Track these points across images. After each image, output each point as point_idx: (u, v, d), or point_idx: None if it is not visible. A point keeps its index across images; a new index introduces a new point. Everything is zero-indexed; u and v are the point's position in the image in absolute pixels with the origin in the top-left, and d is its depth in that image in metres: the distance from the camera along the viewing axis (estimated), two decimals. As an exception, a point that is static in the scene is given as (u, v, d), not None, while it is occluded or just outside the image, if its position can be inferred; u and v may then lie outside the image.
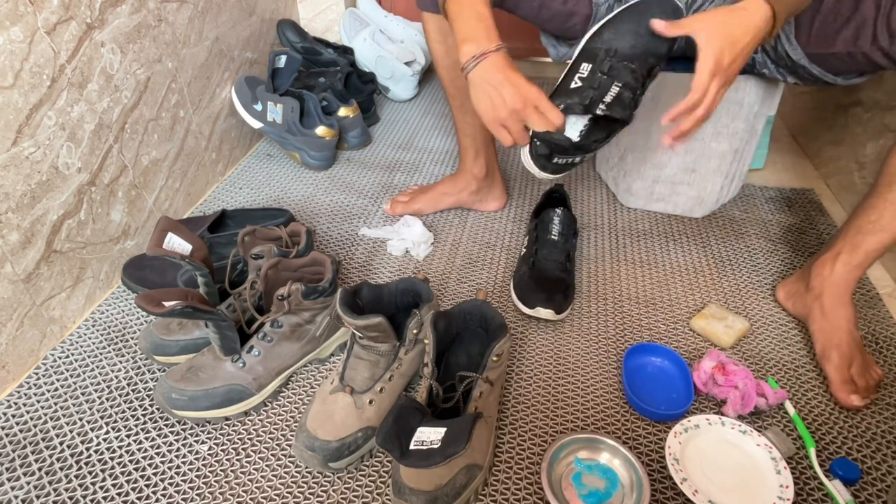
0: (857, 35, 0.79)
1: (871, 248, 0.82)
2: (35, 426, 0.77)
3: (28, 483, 0.70)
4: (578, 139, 0.80)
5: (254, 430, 0.77)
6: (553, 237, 0.99)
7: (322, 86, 1.47)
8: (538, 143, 0.80)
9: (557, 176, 0.85)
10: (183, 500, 0.69)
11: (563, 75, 0.82)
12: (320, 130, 1.34)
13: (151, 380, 0.84)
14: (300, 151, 1.34)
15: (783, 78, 0.95)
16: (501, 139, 0.80)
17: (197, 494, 0.70)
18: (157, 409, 0.79)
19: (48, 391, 0.82)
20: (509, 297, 0.99)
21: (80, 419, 0.78)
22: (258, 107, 1.32)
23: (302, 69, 1.61)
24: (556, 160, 0.82)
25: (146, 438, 0.76)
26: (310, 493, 0.70)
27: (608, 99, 0.76)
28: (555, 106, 0.76)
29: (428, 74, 1.87)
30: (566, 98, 0.78)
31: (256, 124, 1.34)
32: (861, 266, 0.84)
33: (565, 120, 0.77)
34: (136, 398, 0.81)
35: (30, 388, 0.82)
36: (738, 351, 0.89)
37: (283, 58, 1.35)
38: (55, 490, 0.69)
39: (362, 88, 1.58)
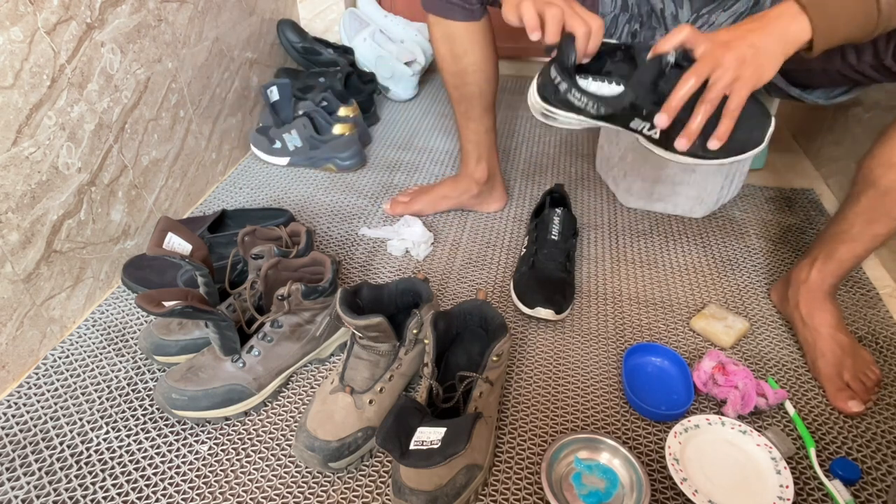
0: (829, 53, 0.77)
1: (844, 257, 0.82)
2: (35, 426, 0.77)
3: (28, 483, 0.70)
4: (588, 98, 0.72)
5: (254, 430, 0.77)
6: (553, 237, 0.99)
7: (322, 86, 1.47)
8: (561, 49, 0.71)
9: (549, 109, 0.74)
10: (183, 500, 0.69)
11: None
12: (337, 129, 1.36)
13: (151, 380, 0.84)
14: (331, 160, 1.35)
15: (772, 94, 0.95)
16: (530, 24, 0.71)
17: (197, 494, 0.70)
18: (157, 409, 0.79)
19: (48, 391, 0.82)
20: (509, 297, 0.99)
21: (80, 419, 0.78)
22: (277, 145, 1.37)
23: (301, 69, 1.61)
24: (556, 80, 0.72)
25: (146, 438, 0.76)
26: (310, 493, 0.70)
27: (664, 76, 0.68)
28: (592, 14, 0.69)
29: (428, 74, 1.87)
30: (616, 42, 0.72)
31: (284, 161, 1.38)
32: (835, 274, 0.83)
33: (602, 29, 0.70)
34: (136, 398, 0.81)
35: (30, 388, 0.82)
36: (738, 351, 0.89)
37: (274, 89, 1.36)
38: (55, 490, 0.69)
39: (362, 88, 1.58)
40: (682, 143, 0.68)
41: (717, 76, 0.65)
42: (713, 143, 0.68)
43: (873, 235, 0.78)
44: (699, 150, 0.69)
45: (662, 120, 0.68)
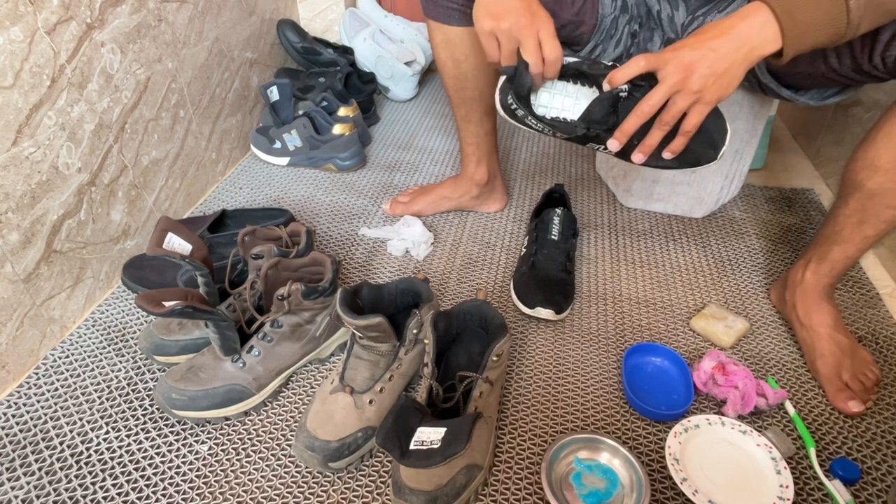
0: (812, 57, 0.76)
1: (837, 258, 0.82)
2: (35, 426, 0.77)
3: (28, 483, 0.70)
4: (544, 114, 0.74)
5: (254, 430, 0.77)
6: (553, 237, 0.99)
7: (322, 86, 1.47)
8: (515, 75, 0.72)
9: (513, 122, 0.75)
10: (183, 500, 0.69)
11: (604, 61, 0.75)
12: (337, 129, 1.35)
13: (151, 380, 0.84)
14: (331, 160, 1.34)
15: (767, 94, 0.95)
16: (487, 50, 0.74)
17: (197, 494, 0.70)
18: (157, 409, 0.79)
19: (48, 391, 0.82)
20: (509, 297, 0.99)
21: (80, 419, 0.78)
22: (277, 145, 1.36)
23: (301, 69, 1.61)
24: (513, 107, 0.73)
25: (146, 438, 0.76)
26: (310, 493, 0.70)
27: (622, 95, 0.69)
28: (556, 40, 0.70)
29: (428, 74, 1.87)
30: (579, 60, 0.73)
31: (285, 161, 1.37)
32: (829, 275, 0.83)
33: (560, 62, 0.71)
34: (136, 398, 0.81)
35: (30, 388, 0.82)
36: (738, 351, 0.89)
37: (274, 89, 1.35)
38: (55, 490, 0.69)
39: (362, 88, 1.58)
40: (638, 157, 0.71)
41: (676, 99, 0.65)
42: (666, 154, 0.70)
43: (863, 237, 0.78)
44: (653, 160, 0.71)
45: (613, 145, 0.70)
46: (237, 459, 0.74)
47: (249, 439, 0.76)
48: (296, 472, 0.72)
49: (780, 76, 0.85)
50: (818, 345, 0.83)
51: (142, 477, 0.71)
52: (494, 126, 1.11)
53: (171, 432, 0.77)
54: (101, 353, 0.88)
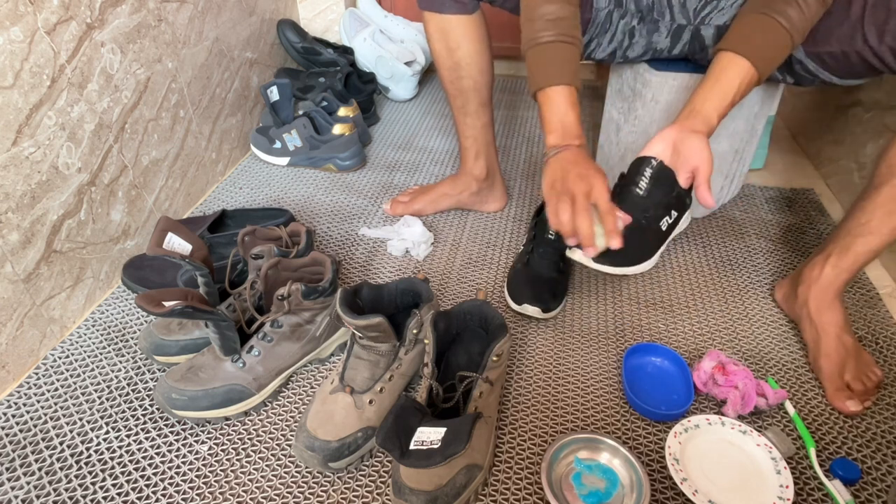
0: (851, 34, 0.77)
1: (861, 250, 0.81)
2: (35, 426, 0.77)
3: (28, 483, 0.70)
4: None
5: (254, 430, 0.77)
6: (549, 236, 0.99)
7: (322, 86, 1.47)
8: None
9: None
10: (183, 500, 0.69)
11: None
12: (337, 129, 1.35)
13: (151, 380, 0.84)
14: (331, 160, 1.34)
15: (782, 77, 0.95)
16: (551, 211, 0.78)
17: (197, 494, 0.70)
18: (157, 409, 0.79)
19: (48, 391, 0.82)
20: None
21: (80, 419, 0.78)
22: (277, 145, 1.36)
23: (301, 69, 1.61)
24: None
25: (146, 438, 0.76)
26: (310, 493, 0.70)
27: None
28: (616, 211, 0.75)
29: (428, 74, 1.87)
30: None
31: (285, 161, 1.37)
32: (849, 269, 0.82)
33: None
34: (136, 398, 0.81)
35: (30, 388, 0.82)
36: (738, 351, 0.89)
37: (274, 89, 1.35)
38: (55, 490, 0.69)
39: (362, 88, 1.58)
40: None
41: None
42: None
43: (892, 228, 0.78)
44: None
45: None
46: (237, 459, 0.74)
47: (249, 439, 0.76)
48: (296, 472, 0.72)
49: (819, 60, 0.85)
50: (824, 343, 0.83)
51: (142, 477, 0.71)
52: (491, 119, 1.11)
53: (171, 432, 0.77)
54: (101, 353, 0.88)
